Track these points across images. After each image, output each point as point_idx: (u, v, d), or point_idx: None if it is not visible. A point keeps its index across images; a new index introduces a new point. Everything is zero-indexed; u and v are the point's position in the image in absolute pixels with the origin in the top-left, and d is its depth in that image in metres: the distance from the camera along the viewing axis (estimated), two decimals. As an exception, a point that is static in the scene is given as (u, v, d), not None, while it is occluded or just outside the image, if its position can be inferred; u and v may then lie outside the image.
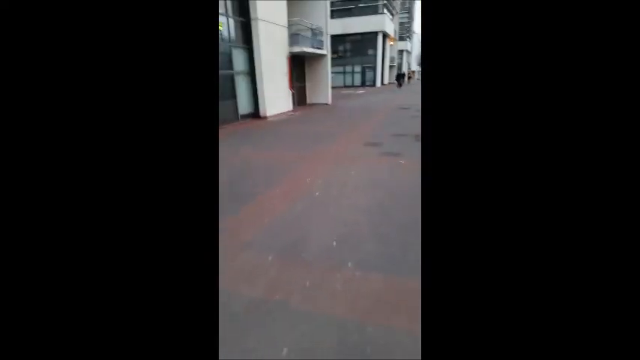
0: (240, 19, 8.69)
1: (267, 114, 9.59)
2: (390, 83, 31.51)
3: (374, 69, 27.19)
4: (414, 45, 48.88)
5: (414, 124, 7.80)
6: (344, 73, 28.10)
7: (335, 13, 26.44)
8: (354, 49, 27.03)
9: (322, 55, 12.80)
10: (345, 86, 27.60)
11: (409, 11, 43.35)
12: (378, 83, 27.51)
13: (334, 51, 27.51)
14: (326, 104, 13.20)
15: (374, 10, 25.80)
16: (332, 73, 28.34)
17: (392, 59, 33.80)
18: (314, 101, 13.50)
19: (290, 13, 10.58)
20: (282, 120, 9.20)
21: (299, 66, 12.56)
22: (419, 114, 9.41)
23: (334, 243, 2.37)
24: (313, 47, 11.68)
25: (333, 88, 26.55)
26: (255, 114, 9.58)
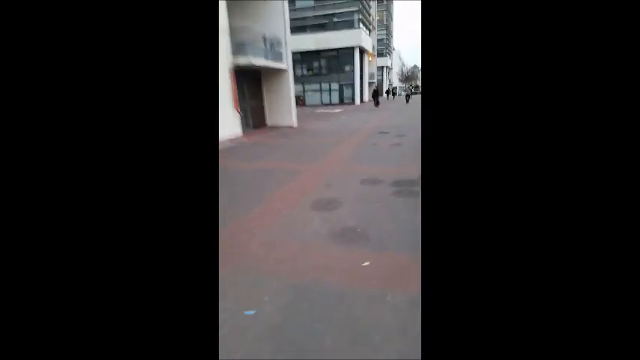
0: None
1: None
2: (370, 100, 29.94)
3: (352, 86, 25.44)
4: (394, 61, 48.18)
5: (394, 158, 5.48)
6: (320, 90, 26.22)
7: (308, 29, 24.90)
8: (330, 66, 25.32)
9: (282, 70, 10.60)
10: (323, 104, 25.66)
11: (387, 28, 42.74)
12: (357, 101, 25.71)
13: (309, 68, 25.89)
14: (290, 127, 10.90)
15: (349, 25, 24.26)
16: (308, 90, 27.12)
17: (372, 76, 32.40)
18: (275, 123, 11.18)
19: (235, 16, 8.37)
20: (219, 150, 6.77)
21: (253, 82, 10.30)
22: (401, 141, 7.14)
23: None
24: (268, 60, 9.45)
25: (308, 106, 25.18)
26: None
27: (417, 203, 3.31)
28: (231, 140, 8.06)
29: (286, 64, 10.55)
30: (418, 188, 3.82)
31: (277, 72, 10.61)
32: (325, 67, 25.50)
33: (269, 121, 11.25)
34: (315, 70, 25.66)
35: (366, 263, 2.20)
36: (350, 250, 2.40)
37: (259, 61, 8.93)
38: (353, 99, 25.41)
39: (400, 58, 55.72)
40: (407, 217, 2.95)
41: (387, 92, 29.27)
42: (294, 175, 4.66)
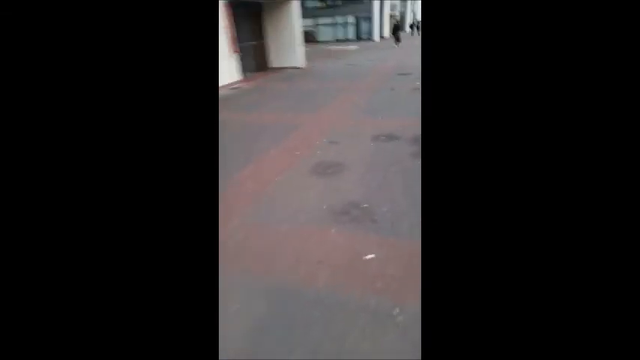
0: None
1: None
2: (391, 36, 27.12)
3: (370, 20, 22.76)
4: (419, -11, 42.58)
5: (414, 107, 4.68)
6: (334, 25, 23.69)
7: (320, -51, 21.63)
8: (346, -4, 22.47)
9: (286, 2, 9.18)
10: (337, 40, 23.38)
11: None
12: (376, 37, 23.21)
13: (321, -1, 23.15)
14: (297, 68, 9.84)
15: (368, -56, 20.87)
16: (320, 25, 24.48)
17: (393, 7, 28.86)
18: (280, 64, 10.09)
19: None
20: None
21: (253, 17, 9.04)
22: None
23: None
24: (270, -14, 8.11)
25: (321, 42, 22.99)
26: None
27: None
28: (227, 87, 7.29)
29: (292, -8, 9.10)
30: (441, 147, 3.15)
31: (281, 4, 9.22)
32: (340, -2, 22.69)
33: (273, 62, 10.15)
34: (328, 2, 22.91)
35: (369, 256, 1.71)
36: (352, 235, 1.90)
37: (260, -11, 7.66)
38: (371, 35, 22.93)
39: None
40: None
41: (411, 26, 26.51)
42: (293, 130, 4.03)
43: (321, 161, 3.02)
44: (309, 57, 11.36)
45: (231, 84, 7.50)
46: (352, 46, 18.08)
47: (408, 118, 4.19)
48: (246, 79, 8.11)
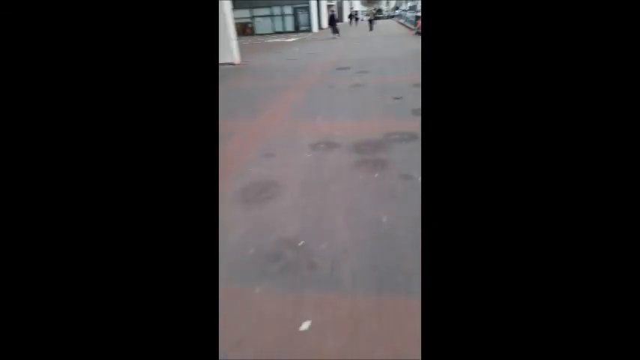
0: None
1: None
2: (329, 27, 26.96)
3: (308, 10, 22.30)
4: (354, -20, 42.90)
5: (354, 106, 4.41)
6: (271, 16, 22.81)
7: None
8: (282, -15, 21.66)
9: (214, -12, 8.33)
10: (276, 32, 22.55)
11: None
12: (315, 28, 22.86)
13: (256, -12, 22.01)
14: (231, 64, 9.09)
15: None
16: (258, 17, 23.36)
17: (330, -2, 28.65)
18: (215, 61, 9.23)
19: None
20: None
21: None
22: (363, 80, 5.96)
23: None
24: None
25: (258, 35, 21.99)
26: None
27: (388, 184, 2.42)
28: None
29: (219, -20, 8.27)
30: (385, 155, 2.90)
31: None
32: (275, -13, 21.82)
33: (206, 58, 9.25)
34: (263, -9, 21.93)
35: (305, 325, 1.34)
36: (282, 296, 1.50)
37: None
38: (310, 26, 22.52)
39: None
40: (374, 212, 2.07)
41: (350, 17, 26.87)
42: (224, 141, 3.50)
43: (251, 182, 2.57)
44: (246, 51, 10.62)
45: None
46: (291, 38, 17.53)
47: (348, 121, 3.90)
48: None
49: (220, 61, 9.12)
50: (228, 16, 8.87)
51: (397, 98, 4.70)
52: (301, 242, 1.83)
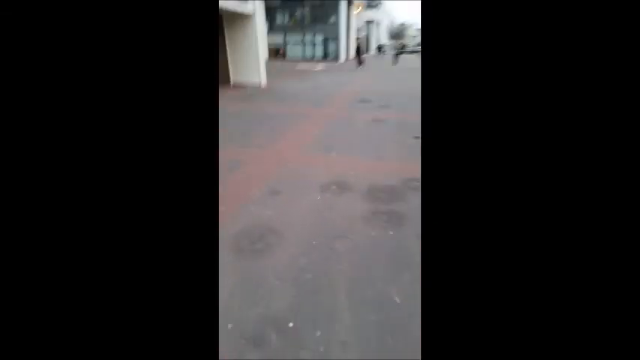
0: None
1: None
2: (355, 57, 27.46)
3: (337, 40, 22.88)
4: (383, 16, 44.31)
5: (372, 144, 4.12)
6: (303, 44, 23.53)
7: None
8: (315, 16, 22.41)
9: (248, 16, 8.54)
10: (305, 59, 23.15)
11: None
12: (342, 58, 23.30)
13: (291, 15, 22.92)
14: (258, 87, 9.14)
15: (336, -33, 21.12)
16: (290, 43, 24.21)
17: (359, 31, 29.44)
18: (240, 81, 9.33)
19: None
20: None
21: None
22: (383, 115, 5.71)
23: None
24: (227, -2, 7.42)
25: (290, 61, 22.65)
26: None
27: (404, 247, 2.06)
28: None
29: (253, 7, 8.47)
30: (401, 206, 2.56)
31: (242, 18, 8.55)
32: (309, 17, 22.62)
33: (233, 79, 9.37)
34: (296, 19, 22.75)
35: None
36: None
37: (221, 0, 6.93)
38: (337, 55, 23.01)
39: (388, 13, 51.20)
40: (385, 287, 1.71)
41: (379, 48, 27.99)
42: (234, 170, 3.27)
43: (249, 225, 2.28)
44: (274, 74, 10.74)
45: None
46: (319, 66, 17.83)
47: (365, 160, 3.62)
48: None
49: (247, 82, 9.24)
50: (260, 39, 9.01)
51: (417, 137, 4.41)
52: (291, 323, 1.48)
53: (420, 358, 0.65)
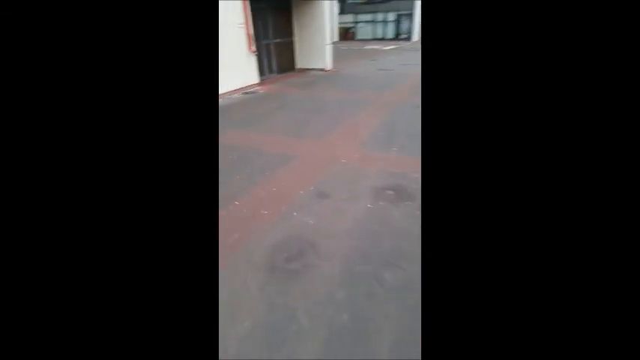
0: None
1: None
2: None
3: (411, 17, 21.02)
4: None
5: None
6: (373, 22, 22.22)
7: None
8: (389, -9, 20.89)
9: (317, -5, 8.16)
10: (375, 39, 21.92)
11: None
12: (415, 36, 21.45)
13: (363, -7, 21.72)
14: (323, 70, 8.84)
15: None
16: (360, 22, 23.09)
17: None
18: (306, 65, 9.12)
19: None
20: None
21: (280, 13, 8.12)
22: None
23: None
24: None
25: (359, 41, 21.66)
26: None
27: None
28: (240, 91, 6.49)
29: (322, -14, 8.05)
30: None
31: (311, 0, 8.22)
32: (382, -7, 21.14)
33: (300, 63, 9.21)
34: (369, -3, 21.48)
35: None
36: None
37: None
38: (410, 34, 21.22)
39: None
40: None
41: None
42: (283, 165, 3.07)
43: (288, 236, 2.04)
44: (341, 57, 10.33)
45: (246, 87, 6.69)
46: (389, 46, 16.70)
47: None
48: (264, 81, 7.26)
49: (313, 66, 8.99)
50: (327, 22, 8.61)
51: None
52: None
53: (420, 358, 0.57)
